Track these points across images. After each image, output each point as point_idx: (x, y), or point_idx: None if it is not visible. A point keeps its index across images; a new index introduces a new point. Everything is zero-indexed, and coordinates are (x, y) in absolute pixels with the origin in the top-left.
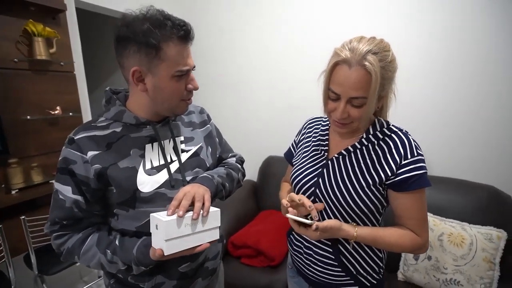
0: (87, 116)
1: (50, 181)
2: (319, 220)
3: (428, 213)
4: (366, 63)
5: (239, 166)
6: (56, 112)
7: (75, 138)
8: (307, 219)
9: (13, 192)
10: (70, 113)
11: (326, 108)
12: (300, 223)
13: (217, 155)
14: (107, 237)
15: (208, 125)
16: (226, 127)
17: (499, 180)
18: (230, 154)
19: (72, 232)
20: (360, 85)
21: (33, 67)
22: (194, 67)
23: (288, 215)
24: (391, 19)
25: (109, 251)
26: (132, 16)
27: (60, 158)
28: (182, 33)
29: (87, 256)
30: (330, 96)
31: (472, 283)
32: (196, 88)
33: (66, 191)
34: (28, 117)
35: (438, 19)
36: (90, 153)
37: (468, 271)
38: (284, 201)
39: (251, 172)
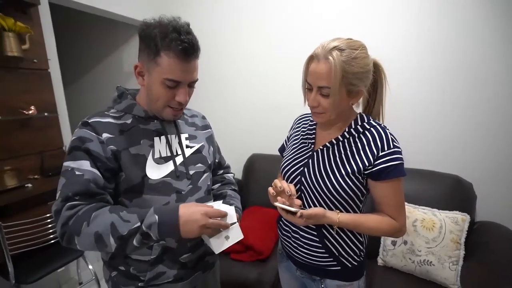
0: (63, 116)
1: (26, 185)
2: (302, 208)
3: None
4: (329, 56)
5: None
6: (30, 112)
7: (89, 121)
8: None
9: None
10: (45, 113)
11: (305, 99)
12: (288, 211)
13: (217, 160)
14: (121, 207)
15: (210, 130)
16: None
17: (461, 170)
18: (225, 164)
19: (86, 205)
20: (324, 75)
21: (3, 64)
22: (194, 82)
23: (276, 204)
24: (365, 21)
25: (124, 211)
26: (156, 20)
27: (73, 138)
28: (180, 48)
29: (98, 220)
30: (307, 87)
31: (442, 262)
32: (182, 102)
33: (83, 165)
34: None
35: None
36: (105, 135)
37: (438, 252)
38: (270, 189)
39: (236, 170)
